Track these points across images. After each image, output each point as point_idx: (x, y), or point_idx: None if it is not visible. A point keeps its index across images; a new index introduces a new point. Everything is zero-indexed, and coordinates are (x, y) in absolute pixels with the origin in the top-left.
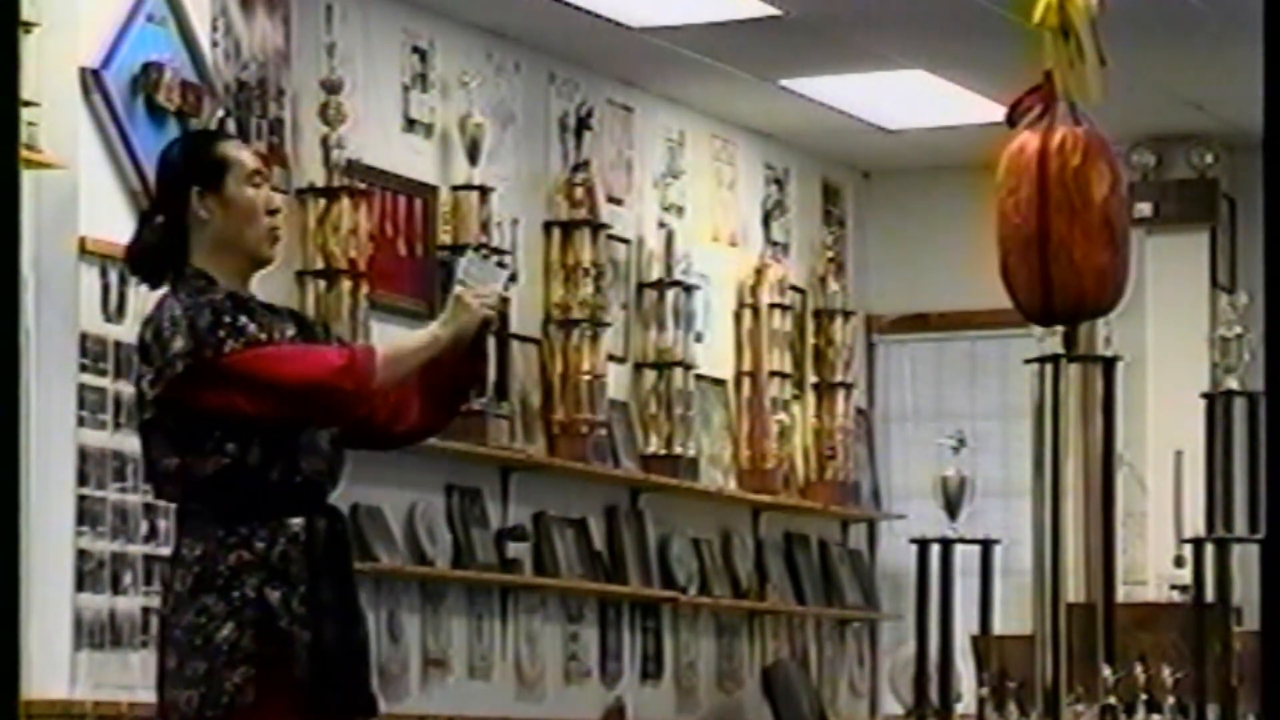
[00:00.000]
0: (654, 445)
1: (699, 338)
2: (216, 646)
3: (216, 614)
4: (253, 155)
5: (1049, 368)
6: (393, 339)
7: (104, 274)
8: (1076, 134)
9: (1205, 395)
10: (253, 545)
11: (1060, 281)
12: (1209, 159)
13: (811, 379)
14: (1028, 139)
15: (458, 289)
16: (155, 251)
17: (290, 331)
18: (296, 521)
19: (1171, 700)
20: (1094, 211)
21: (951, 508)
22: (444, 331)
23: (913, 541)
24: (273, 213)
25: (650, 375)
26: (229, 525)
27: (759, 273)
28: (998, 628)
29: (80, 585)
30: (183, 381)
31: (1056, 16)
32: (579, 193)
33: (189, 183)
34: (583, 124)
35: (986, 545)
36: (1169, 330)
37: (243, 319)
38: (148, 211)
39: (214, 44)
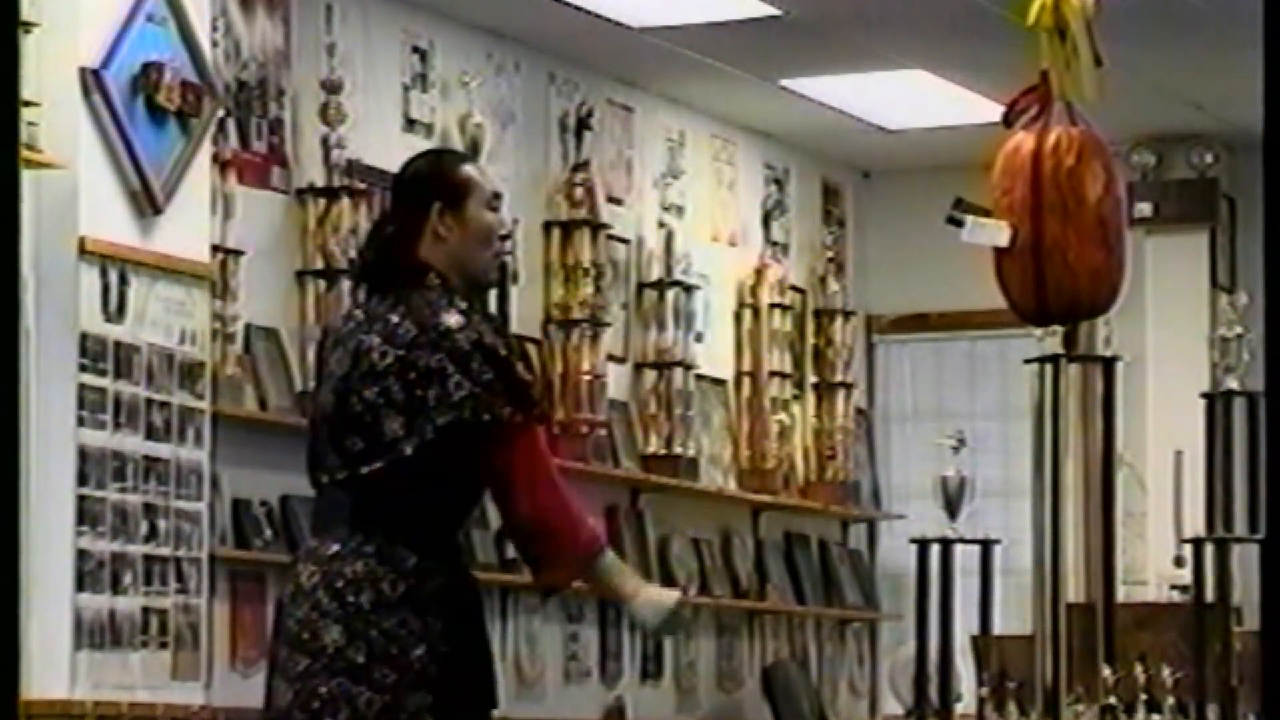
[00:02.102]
0: (654, 445)
1: (699, 338)
2: (410, 663)
3: (415, 631)
4: (490, 180)
5: (1049, 368)
6: (615, 560)
7: (104, 274)
8: (1071, 134)
9: (1205, 395)
10: (446, 574)
11: (1054, 282)
12: (1209, 159)
13: (811, 379)
14: (1023, 140)
15: (676, 598)
16: (388, 258)
17: None
18: (458, 563)
19: (1171, 700)
20: (1088, 212)
21: (951, 508)
22: (641, 614)
23: (913, 541)
24: (504, 238)
25: (650, 375)
26: (439, 549)
27: (759, 273)
28: (998, 628)
29: (80, 585)
30: (504, 418)
31: (1051, 17)
32: (579, 193)
33: (432, 199)
34: (583, 124)
35: (986, 545)
36: (1169, 330)
37: (528, 375)
38: (380, 222)
39: (214, 44)
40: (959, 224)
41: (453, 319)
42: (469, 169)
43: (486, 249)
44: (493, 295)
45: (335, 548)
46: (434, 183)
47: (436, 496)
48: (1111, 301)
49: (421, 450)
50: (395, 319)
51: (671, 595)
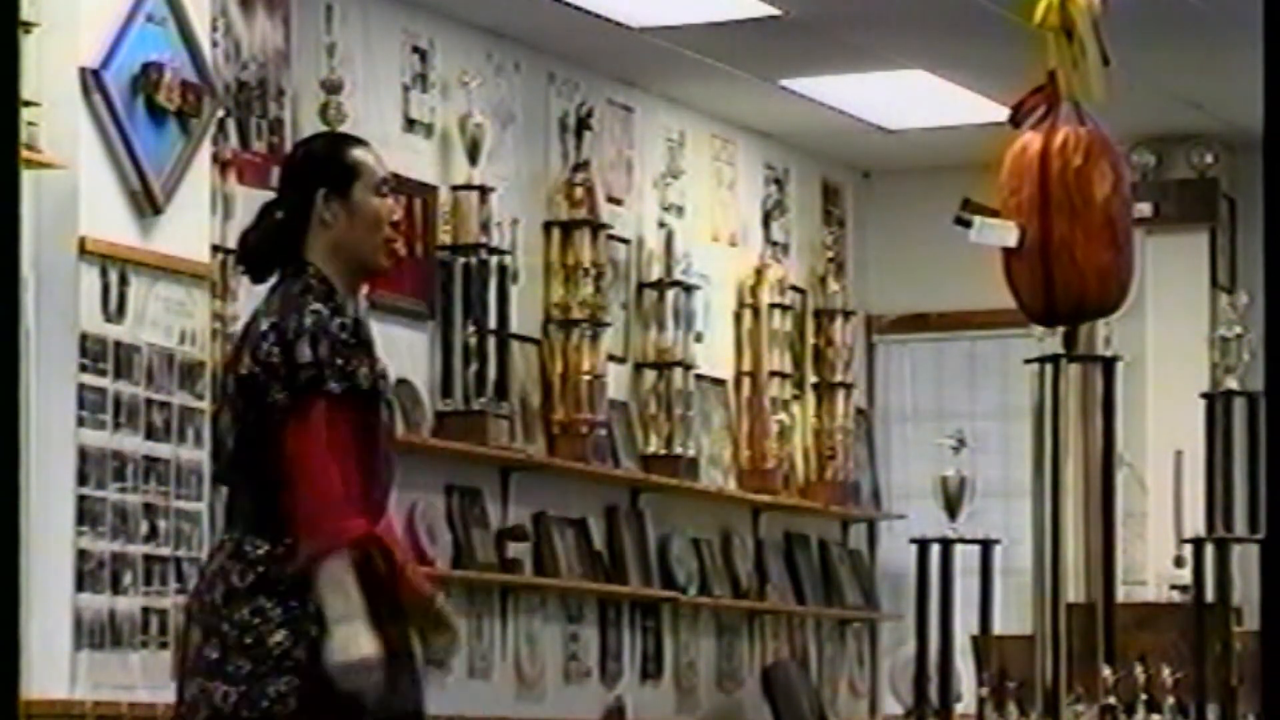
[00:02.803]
0: (654, 445)
1: (699, 338)
2: (267, 650)
3: (272, 618)
4: (383, 165)
5: (1049, 368)
6: (349, 580)
7: (104, 274)
8: (1079, 134)
9: (1205, 395)
10: None
11: (1063, 282)
12: (1209, 159)
13: (811, 379)
14: (1030, 139)
15: (376, 657)
16: (270, 246)
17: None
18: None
19: (1171, 700)
20: (1096, 211)
21: (951, 508)
22: (340, 652)
23: (913, 541)
24: (394, 224)
25: (650, 375)
26: (295, 534)
27: (759, 273)
28: (998, 628)
29: (80, 585)
30: (295, 394)
31: (1058, 16)
32: (579, 193)
33: (317, 184)
34: (583, 124)
35: (986, 545)
36: (1169, 330)
37: (355, 362)
38: (269, 205)
39: (214, 44)
40: (967, 224)
41: (273, 310)
42: (358, 153)
43: (374, 235)
44: (492, 295)
45: (210, 551)
46: (320, 167)
47: (263, 483)
48: (1121, 300)
49: (240, 442)
50: (257, 314)
51: (369, 649)
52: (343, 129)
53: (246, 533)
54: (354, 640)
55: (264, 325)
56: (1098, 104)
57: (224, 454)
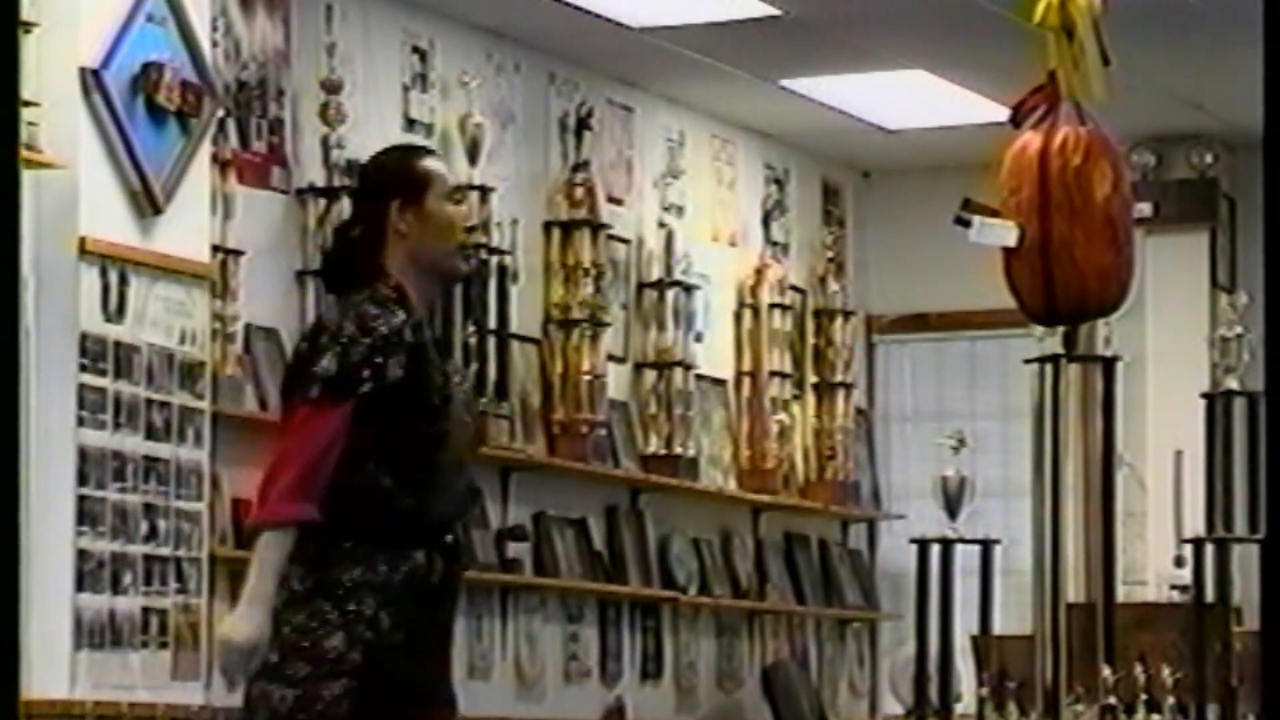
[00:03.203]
0: (654, 445)
1: (699, 338)
2: (323, 653)
3: (330, 621)
4: (451, 173)
5: (1049, 368)
6: (266, 562)
7: (104, 274)
8: (1079, 134)
9: (1205, 395)
10: (375, 566)
11: (1063, 281)
12: (1209, 159)
13: (811, 379)
14: (1030, 139)
15: (242, 641)
16: (349, 261)
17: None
18: (419, 555)
19: (1171, 700)
20: (1095, 211)
21: (951, 508)
22: (222, 631)
23: (913, 541)
24: (469, 230)
25: (650, 375)
26: (356, 540)
27: (759, 273)
28: (998, 628)
29: (80, 585)
30: (311, 404)
31: (1058, 16)
32: (579, 193)
33: (390, 196)
34: (583, 124)
35: (986, 545)
36: (1169, 330)
37: (392, 362)
38: (347, 222)
39: (214, 44)
40: (967, 224)
41: (328, 316)
42: (428, 163)
43: (449, 241)
44: (492, 295)
45: None
46: (392, 179)
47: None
48: (1121, 300)
49: None
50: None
51: (244, 635)
52: (342, 129)
53: (307, 538)
54: (241, 621)
55: (312, 326)
56: (1098, 104)
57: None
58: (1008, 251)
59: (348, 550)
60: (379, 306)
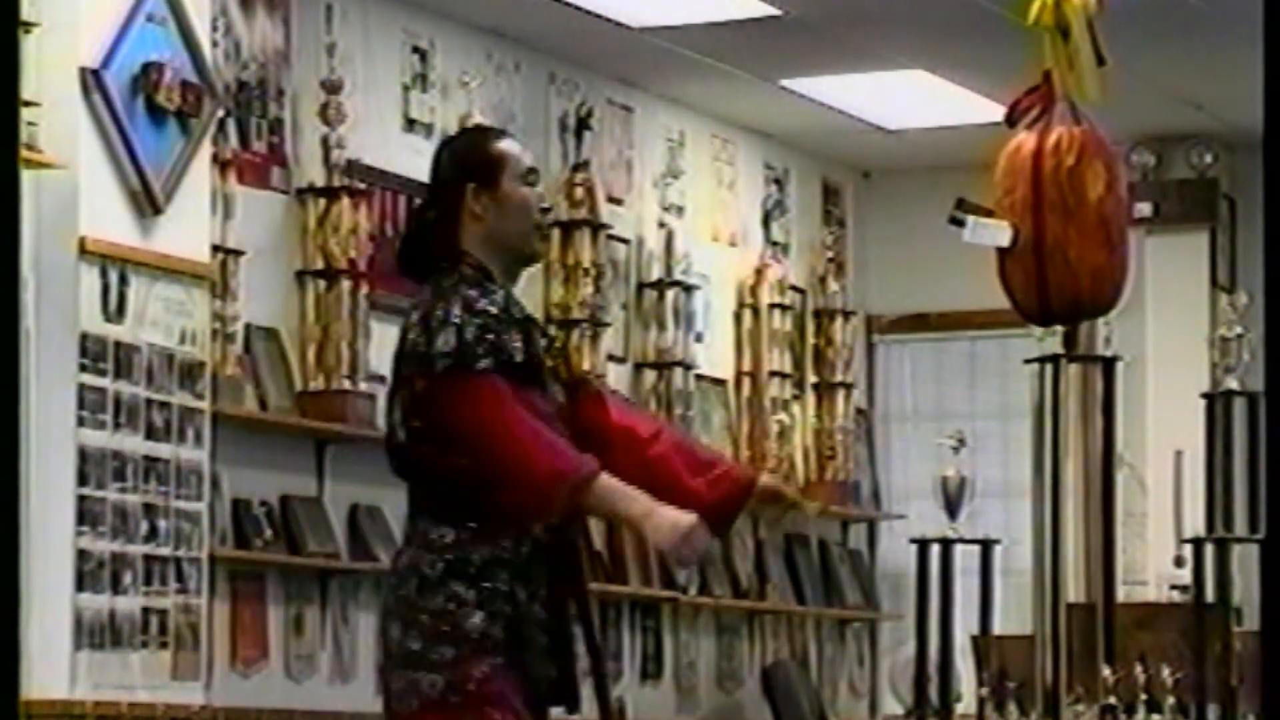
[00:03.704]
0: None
1: (699, 338)
2: (465, 634)
3: (467, 601)
4: (527, 153)
5: (1049, 368)
6: (618, 486)
7: (104, 274)
8: (1073, 134)
9: (1205, 395)
10: (499, 542)
11: (1056, 282)
12: (1209, 159)
13: (811, 379)
14: (1024, 139)
15: (690, 522)
16: (425, 245)
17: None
18: (537, 527)
19: (1171, 700)
20: (1089, 211)
21: (951, 508)
22: (656, 536)
23: (913, 541)
24: (544, 210)
25: (650, 375)
26: (480, 519)
27: (759, 273)
28: (998, 628)
29: (80, 585)
30: (437, 379)
31: (1052, 16)
32: (579, 193)
33: (465, 179)
34: (583, 124)
35: (986, 545)
36: (1169, 330)
37: (506, 338)
38: (421, 206)
39: (214, 44)
40: (961, 224)
41: (425, 300)
42: (502, 144)
43: (524, 223)
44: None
45: (400, 545)
46: (466, 163)
47: (437, 470)
48: (1114, 300)
49: (407, 434)
50: (412, 306)
51: (688, 517)
52: (342, 129)
53: (431, 522)
54: (668, 519)
55: (415, 317)
56: (1093, 104)
57: (391, 449)
58: (1002, 251)
59: (474, 529)
60: (474, 287)
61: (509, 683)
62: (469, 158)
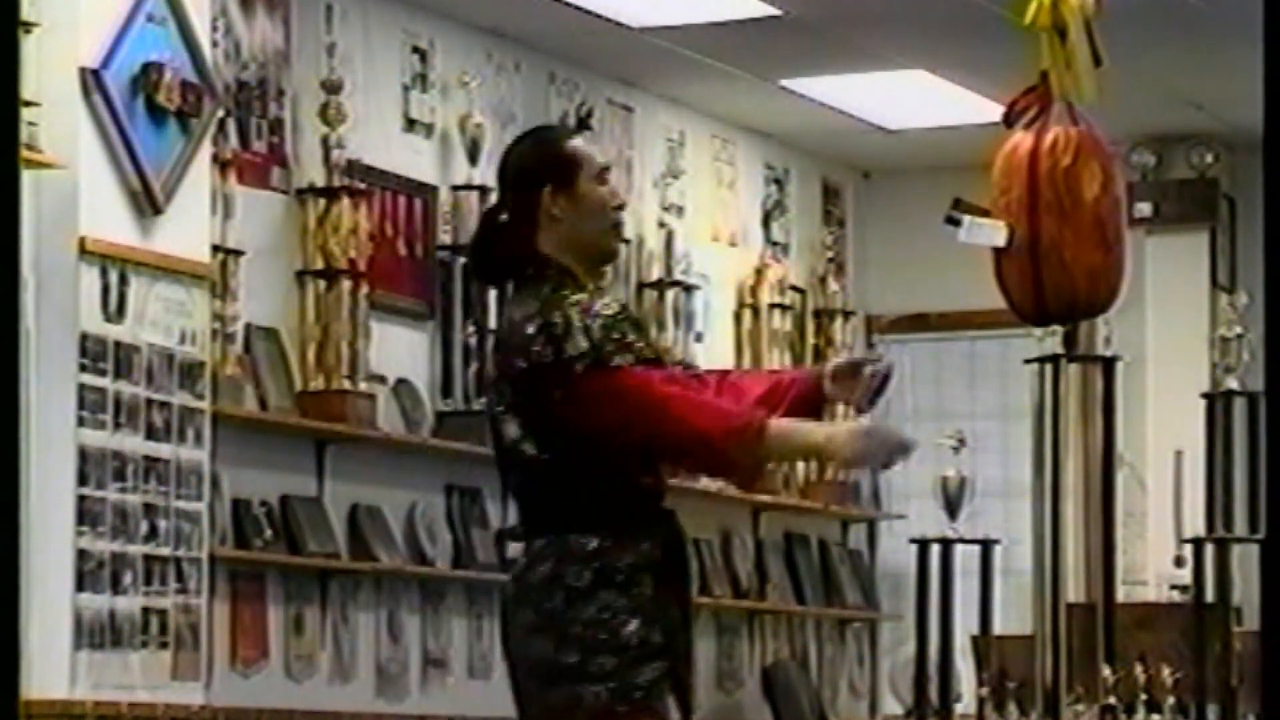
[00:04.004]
0: None
1: (699, 338)
2: (624, 642)
3: (620, 609)
4: (598, 150)
5: (1049, 368)
6: (788, 423)
7: (104, 274)
8: (1069, 134)
9: (1205, 395)
10: (639, 544)
11: (1052, 282)
12: (1209, 159)
13: None
14: (1021, 140)
15: (866, 423)
16: (500, 250)
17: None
18: (660, 528)
19: (1171, 700)
20: (1085, 212)
21: (951, 508)
22: (834, 453)
23: (913, 541)
24: (618, 207)
25: None
26: (617, 524)
27: (759, 273)
28: (998, 628)
29: (80, 585)
30: (577, 383)
31: (1049, 17)
32: None
33: (541, 181)
34: (583, 124)
35: (986, 545)
36: (1169, 330)
37: (630, 335)
38: (492, 210)
39: (214, 44)
40: (957, 224)
41: (534, 311)
42: (575, 143)
43: (603, 222)
44: (492, 295)
45: (523, 559)
46: (542, 165)
47: (577, 479)
48: (1110, 301)
49: (539, 447)
50: (515, 317)
51: (859, 422)
52: (342, 129)
53: (570, 532)
54: (843, 432)
55: (531, 329)
56: (1089, 104)
57: (518, 464)
58: (998, 252)
59: (614, 536)
60: (576, 291)
61: (668, 688)
62: (544, 159)
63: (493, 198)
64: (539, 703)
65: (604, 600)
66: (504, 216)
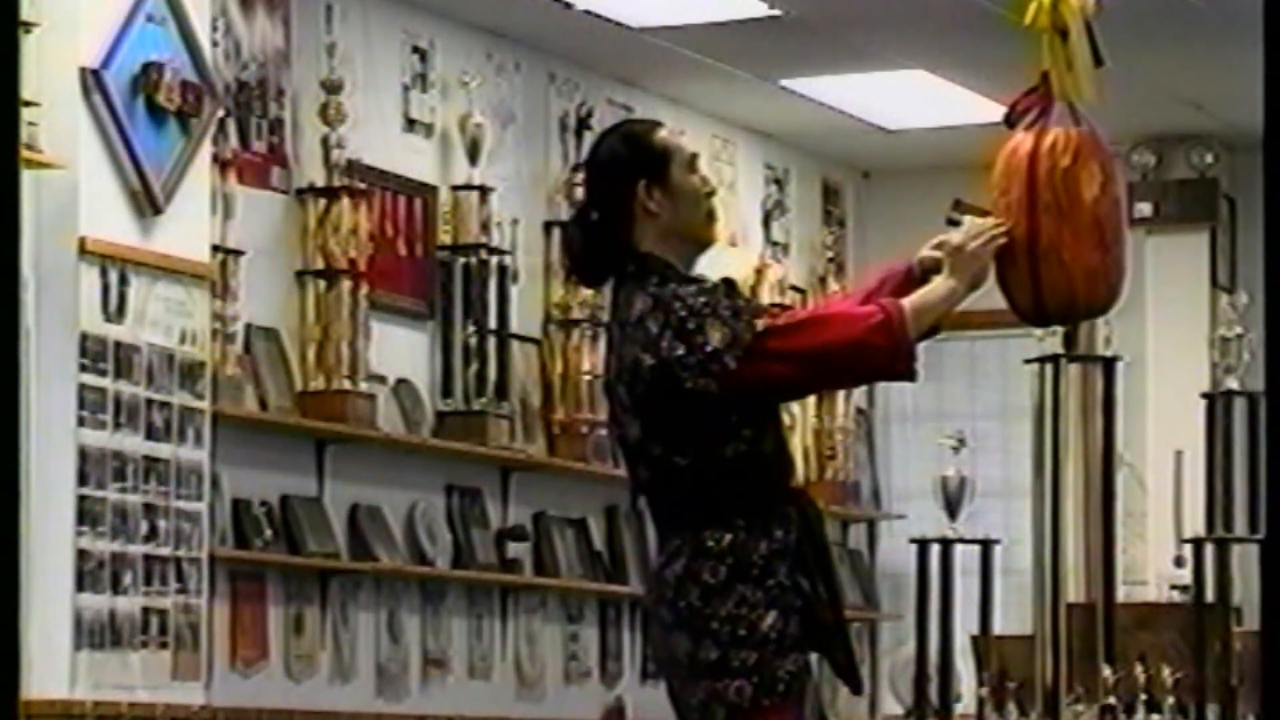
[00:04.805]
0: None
1: None
2: (764, 635)
3: (757, 603)
4: (686, 139)
5: (1049, 368)
6: (913, 296)
7: (104, 274)
8: (1070, 135)
9: (1205, 395)
10: (772, 533)
11: (1050, 283)
12: (1209, 159)
13: None
14: (1021, 141)
15: (953, 237)
16: (598, 248)
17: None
18: (791, 511)
19: (1171, 700)
20: (1083, 212)
21: (951, 508)
22: (960, 282)
23: (913, 541)
24: (710, 194)
25: None
26: (749, 513)
27: (759, 273)
28: (998, 628)
29: (80, 585)
30: (740, 370)
31: (1049, 17)
32: (579, 193)
33: (635, 175)
34: (583, 124)
35: (986, 545)
36: (1169, 330)
37: (738, 299)
38: (583, 209)
39: (214, 44)
40: (956, 224)
41: (650, 308)
42: (663, 134)
43: (698, 211)
44: (492, 295)
45: (659, 558)
46: (633, 158)
47: (707, 473)
48: (1110, 302)
49: (668, 446)
50: (630, 317)
51: (951, 244)
52: (342, 129)
53: (703, 529)
54: (954, 267)
55: (654, 328)
56: (1090, 105)
57: (645, 463)
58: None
59: (746, 527)
60: (684, 284)
61: (811, 678)
62: (635, 153)
63: (493, 198)
64: (677, 698)
65: (740, 594)
66: (595, 215)
